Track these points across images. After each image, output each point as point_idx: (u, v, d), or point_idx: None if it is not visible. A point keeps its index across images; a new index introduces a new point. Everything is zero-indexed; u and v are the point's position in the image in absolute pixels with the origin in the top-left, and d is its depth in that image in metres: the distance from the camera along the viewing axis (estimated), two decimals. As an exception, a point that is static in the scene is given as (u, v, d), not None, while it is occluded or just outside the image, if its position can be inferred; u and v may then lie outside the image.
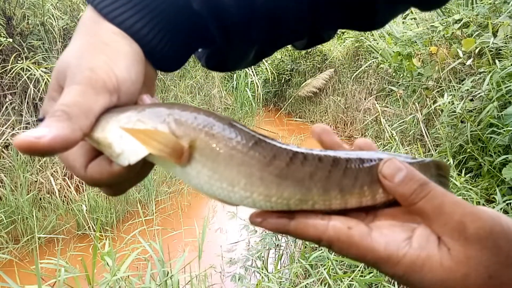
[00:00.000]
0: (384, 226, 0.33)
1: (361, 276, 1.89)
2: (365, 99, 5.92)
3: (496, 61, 2.86)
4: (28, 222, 3.21)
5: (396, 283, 1.83)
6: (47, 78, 3.49)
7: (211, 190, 0.32)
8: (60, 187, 3.64)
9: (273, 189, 0.32)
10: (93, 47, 0.33)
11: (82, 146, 0.34)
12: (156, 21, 0.35)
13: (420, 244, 0.32)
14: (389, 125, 3.96)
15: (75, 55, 0.33)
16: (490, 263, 0.30)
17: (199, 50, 0.45)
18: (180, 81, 5.37)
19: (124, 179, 0.34)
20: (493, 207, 2.32)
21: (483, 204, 2.46)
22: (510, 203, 2.27)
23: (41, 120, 0.31)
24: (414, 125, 3.98)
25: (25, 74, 3.43)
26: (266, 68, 6.97)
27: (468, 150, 2.82)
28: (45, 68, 3.60)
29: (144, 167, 0.35)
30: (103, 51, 0.33)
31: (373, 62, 5.41)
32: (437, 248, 0.31)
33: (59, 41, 3.88)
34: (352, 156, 0.34)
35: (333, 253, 2.34)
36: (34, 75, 3.45)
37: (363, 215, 0.35)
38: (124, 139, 0.31)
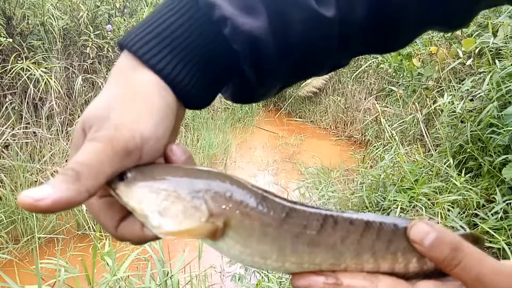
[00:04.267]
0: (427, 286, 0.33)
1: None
2: (365, 99, 5.92)
3: (496, 61, 2.85)
4: (28, 222, 3.21)
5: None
6: (47, 78, 3.49)
7: (241, 262, 0.33)
8: (60, 187, 3.63)
9: (305, 257, 0.32)
10: (125, 99, 0.33)
11: (113, 205, 0.34)
12: (191, 64, 0.36)
13: None
14: (389, 125, 3.95)
15: (105, 105, 0.33)
16: None
17: None
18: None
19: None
20: (493, 207, 2.32)
21: (483, 204, 2.47)
22: (510, 203, 2.27)
23: None
24: (414, 125, 3.98)
25: (25, 74, 3.43)
26: (266, 68, 6.95)
27: (468, 150, 2.82)
28: (45, 68, 3.60)
29: None
30: (134, 106, 0.33)
31: (373, 62, 5.41)
32: None
33: (59, 41, 3.88)
34: (386, 220, 0.34)
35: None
36: (34, 75, 3.45)
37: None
38: (163, 217, 0.31)
